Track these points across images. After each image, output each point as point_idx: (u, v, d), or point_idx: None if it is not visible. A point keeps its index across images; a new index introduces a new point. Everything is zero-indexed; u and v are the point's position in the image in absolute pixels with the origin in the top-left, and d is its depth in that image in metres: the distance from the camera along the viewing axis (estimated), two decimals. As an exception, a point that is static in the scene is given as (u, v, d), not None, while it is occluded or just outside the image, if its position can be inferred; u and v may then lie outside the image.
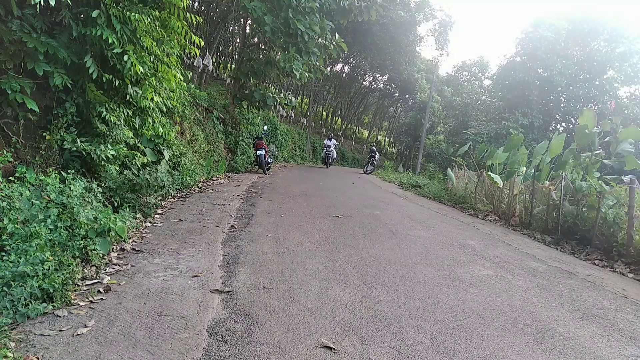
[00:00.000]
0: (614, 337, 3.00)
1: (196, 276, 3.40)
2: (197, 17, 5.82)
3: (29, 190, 3.35)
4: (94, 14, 3.93)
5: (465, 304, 3.33)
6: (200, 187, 7.84)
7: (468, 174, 10.92)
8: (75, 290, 2.89)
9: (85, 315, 2.60)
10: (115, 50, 4.19)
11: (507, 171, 8.75)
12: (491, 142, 18.45)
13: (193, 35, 5.62)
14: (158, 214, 5.34)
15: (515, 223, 7.63)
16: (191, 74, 11.48)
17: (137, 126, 5.43)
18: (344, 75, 31.78)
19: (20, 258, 2.69)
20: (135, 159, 5.32)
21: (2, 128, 3.69)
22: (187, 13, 5.51)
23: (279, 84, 19.51)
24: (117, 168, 4.95)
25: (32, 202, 3.22)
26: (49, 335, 2.34)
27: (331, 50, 11.16)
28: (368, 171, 18.05)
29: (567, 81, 21.61)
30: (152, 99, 5.31)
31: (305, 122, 26.47)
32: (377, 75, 32.73)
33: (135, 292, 3.00)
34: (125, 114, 5.00)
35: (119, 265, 3.47)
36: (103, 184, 4.61)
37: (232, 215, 5.79)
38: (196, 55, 10.56)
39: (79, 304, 2.72)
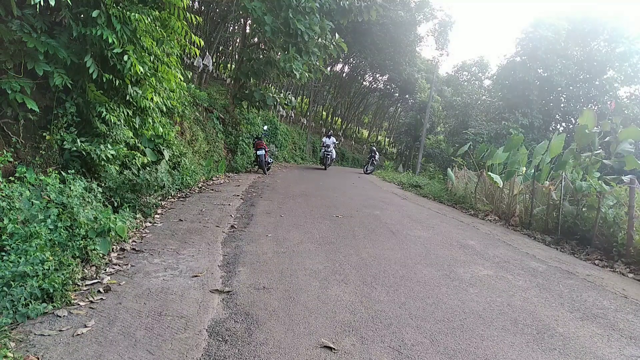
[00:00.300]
0: (614, 337, 3.00)
1: (196, 276, 3.40)
2: (197, 17, 5.82)
3: (29, 190, 3.35)
4: (94, 14, 3.93)
5: (465, 304, 3.33)
6: (200, 187, 7.84)
7: (468, 174, 10.91)
8: (75, 290, 2.89)
9: (85, 315, 2.60)
10: (115, 50, 4.20)
11: (507, 171, 8.75)
12: (491, 142, 18.45)
13: (193, 35, 5.62)
14: (158, 214, 5.35)
15: (515, 223, 7.63)
16: (191, 74, 11.48)
17: (137, 126, 5.43)
18: (344, 75, 31.79)
19: (20, 258, 2.69)
20: (135, 159, 5.32)
21: (2, 128, 3.69)
22: (187, 13, 5.51)
23: (279, 84, 19.50)
24: (117, 168, 4.95)
25: (32, 202, 3.23)
26: (49, 335, 2.34)
27: (331, 50, 11.16)
28: (368, 171, 18.02)
29: (567, 81, 21.61)
30: (152, 99, 5.31)
31: (305, 122, 26.46)
32: (377, 75, 32.73)
33: (135, 292, 3.00)
34: (125, 114, 5.00)
35: (119, 265, 3.47)
36: (103, 184, 4.61)
37: (232, 215, 5.79)
38: (196, 55, 10.56)
39: (79, 304, 2.73)
